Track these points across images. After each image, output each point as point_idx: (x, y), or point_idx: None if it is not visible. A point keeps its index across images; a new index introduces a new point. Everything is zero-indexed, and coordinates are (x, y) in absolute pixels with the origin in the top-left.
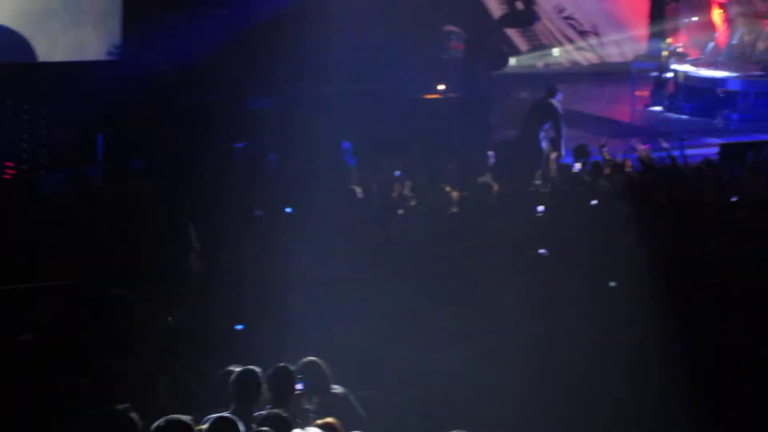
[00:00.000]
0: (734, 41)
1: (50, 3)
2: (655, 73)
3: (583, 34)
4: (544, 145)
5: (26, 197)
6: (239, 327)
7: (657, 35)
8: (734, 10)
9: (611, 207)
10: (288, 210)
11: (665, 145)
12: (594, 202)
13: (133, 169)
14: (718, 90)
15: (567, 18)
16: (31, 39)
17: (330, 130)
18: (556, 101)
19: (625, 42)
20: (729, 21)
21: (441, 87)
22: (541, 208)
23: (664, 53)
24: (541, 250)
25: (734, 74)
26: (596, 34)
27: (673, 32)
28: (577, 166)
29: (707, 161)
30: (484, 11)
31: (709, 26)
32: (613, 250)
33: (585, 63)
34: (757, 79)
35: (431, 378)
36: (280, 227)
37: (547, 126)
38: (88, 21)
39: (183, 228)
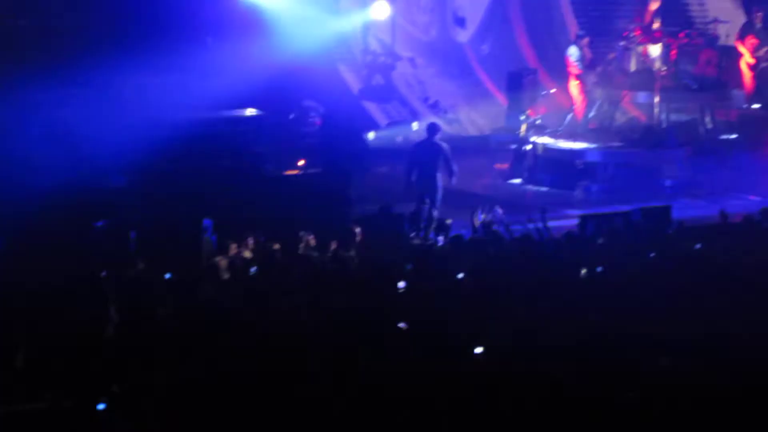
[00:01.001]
0: (592, 113)
1: None
2: (514, 146)
3: (441, 111)
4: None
5: None
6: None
7: (515, 107)
8: (591, 81)
9: (471, 282)
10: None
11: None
12: (460, 275)
13: None
14: (578, 161)
15: (425, 97)
16: None
17: (190, 207)
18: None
19: (484, 116)
20: (586, 92)
21: (301, 162)
22: (402, 284)
23: (523, 126)
24: (401, 324)
25: (593, 145)
26: (454, 109)
27: (531, 104)
28: (440, 239)
29: (568, 235)
30: (344, 85)
31: (567, 98)
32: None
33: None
34: (616, 150)
35: None
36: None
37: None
38: None
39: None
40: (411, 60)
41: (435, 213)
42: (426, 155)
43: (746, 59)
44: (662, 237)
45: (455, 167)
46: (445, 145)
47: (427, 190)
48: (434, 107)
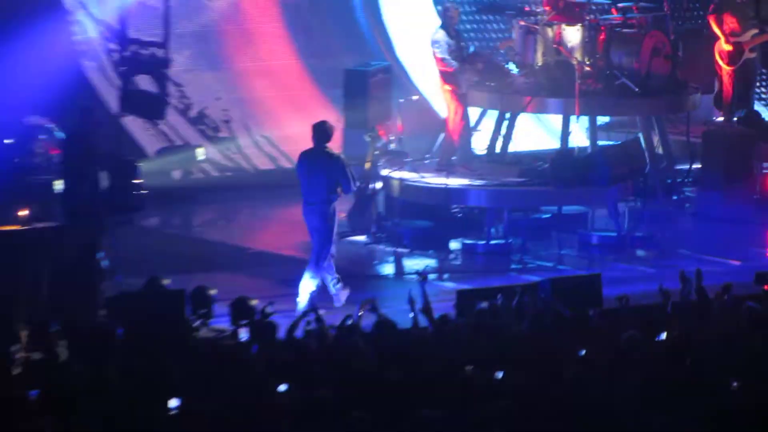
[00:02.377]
0: (476, 131)
1: None
2: (357, 184)
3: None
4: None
5: None
6: None
7: (356, 124)
8: (473, 81)
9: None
10: None
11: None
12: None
13: None
14: (455, 207)
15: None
16: None
17: None
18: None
19: (291, 137)
20: (463, 99)
21: (23, 213)
22: (174, 402)
23: (369, 153)
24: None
25: (479, 182)
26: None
27: (382, 119)
28: (242, 333)
29: (443, 320)
30: (92, 92)
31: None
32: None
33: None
34: (513, 189)
35: None
36: None
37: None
38: None
39: None
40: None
41: (325, 265)
42: (308, 172)
43: (721, 47)
44: (583, 324)
45: (354, 186)
46: (338, 155)
47: (311, 225)
48: (199, 122)
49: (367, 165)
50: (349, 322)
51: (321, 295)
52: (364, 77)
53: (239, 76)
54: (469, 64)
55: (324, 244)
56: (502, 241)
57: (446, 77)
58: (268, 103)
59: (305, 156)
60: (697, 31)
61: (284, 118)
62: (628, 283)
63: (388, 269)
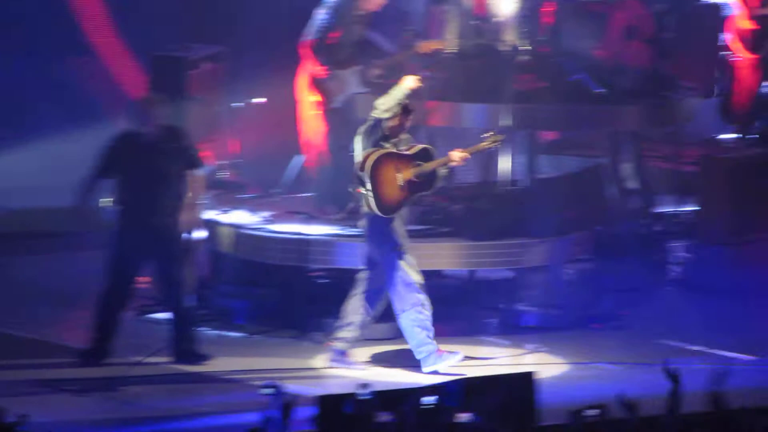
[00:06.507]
0: (356, 150)
1: None
2: None
3: None
4: None
5: None
6: None
7: None
8: (352, 80)
9: None
10: None
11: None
12: None
13: None
14: (319, 275)
15: None
16: None
17: None
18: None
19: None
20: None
21: None
22: None
23: None
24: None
25: (354, 232)
26: None
27: (206, 133)
28: None
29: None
30: None
31: (292, 122)
32: None
33: None
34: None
35: None
36: None
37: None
38: None
39: None
40: None
41: (180, 293)
42: (140, 163)
43: (738, 24)
44: None
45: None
46: (189, 143)
47: (143, 244)
48: None
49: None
50: None
51: None
52: (179, 67)
53: None
54: (355, 64)
55: (171, 270)
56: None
57: (315, 81)
58: None
59: (128, 142)
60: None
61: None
62: (579, 388)
63: (210, 365)
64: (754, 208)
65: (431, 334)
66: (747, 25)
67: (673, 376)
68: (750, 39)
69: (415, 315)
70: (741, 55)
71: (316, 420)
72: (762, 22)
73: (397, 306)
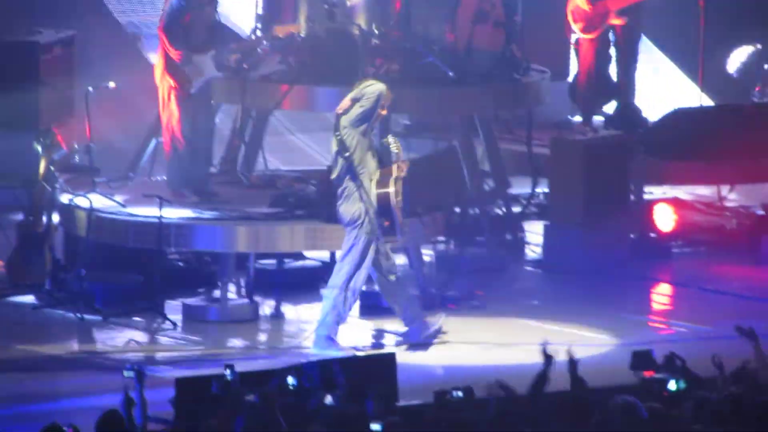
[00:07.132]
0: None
1: None
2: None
3: None
4: None
5: None
6: None
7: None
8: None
9: None
10: None
11: None
12: None
13: None
14: (173, 253)
15: None
16: None
17: None
18: None
19: None
20: (180, 96)
21: None
22: None
23: (42, 162)
24: None
25: (209, 214)
26: None
27: (56, 117)
28: None
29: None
30: None
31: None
32: None
33: None
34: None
35: None
36: None
37: None
38: None
39: None
40: None
41: None
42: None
43: (575, 4)
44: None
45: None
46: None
47: None
48: None
49: (40, 177)
50: None
51: None
52: (31, 52)
53: None
54: (209, 48)
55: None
56: (246, 301)
57: (170, 66)
58: None
59: None
60: None
61: None
62: (442, 368)
63: (69, 347)
64: (605, 189)
65: (340, 323)
66: (583, 6)
67: (548, 357)
68: (583, 18)
69: (341, 299)
70: (580, 36)
71: (175, 401)
72: (597, 3)
73: (334, 279)
